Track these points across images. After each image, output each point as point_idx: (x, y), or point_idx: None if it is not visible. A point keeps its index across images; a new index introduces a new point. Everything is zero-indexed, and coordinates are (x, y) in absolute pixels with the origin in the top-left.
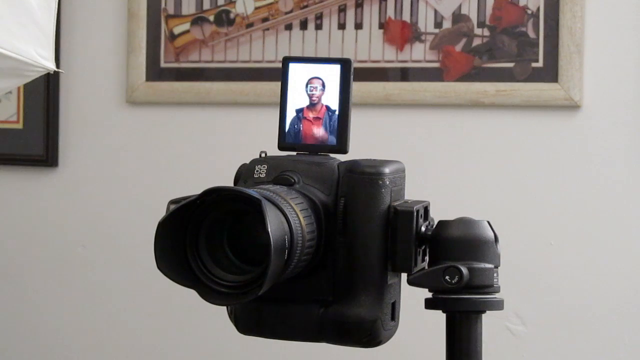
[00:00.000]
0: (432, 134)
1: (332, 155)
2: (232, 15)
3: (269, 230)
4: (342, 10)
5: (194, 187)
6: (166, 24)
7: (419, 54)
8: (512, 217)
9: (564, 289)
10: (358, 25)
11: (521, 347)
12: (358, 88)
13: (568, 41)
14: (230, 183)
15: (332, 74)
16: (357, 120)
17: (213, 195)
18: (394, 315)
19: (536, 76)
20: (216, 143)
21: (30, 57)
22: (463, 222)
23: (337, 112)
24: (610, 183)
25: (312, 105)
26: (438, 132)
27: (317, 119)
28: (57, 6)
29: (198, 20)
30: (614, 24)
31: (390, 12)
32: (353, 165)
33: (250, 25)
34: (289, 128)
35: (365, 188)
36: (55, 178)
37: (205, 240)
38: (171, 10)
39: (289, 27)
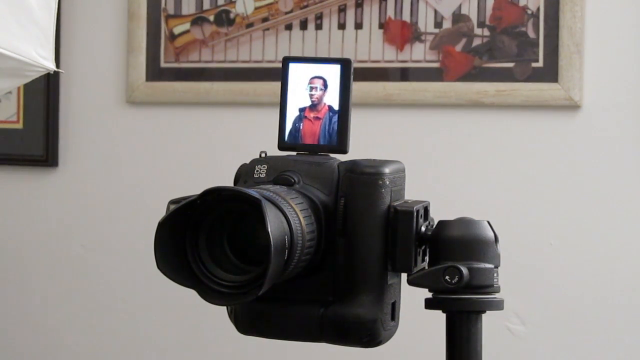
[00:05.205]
0: (432, 134)
1: (332, 155)
2: (232, 15)
3: (269, 230)
4: (342, 10)
5: (194, 187)
6: (166, 24)
7: (419, 54)
8: (512, 217)
9: (564, 289)
10: (358, 25)
11: (521, 347)
12: (358, 88)
13: (568, 41)
14: (230, 183)
15: (332, 74)
16: (357, 120)
17: (213, 195)
18: (394, 315)
19: (536, 76)
20: (216, 143)
21: (30, 57)
22: (463, 222)
23: (337, 112)
24: (610, 183)
25: (313, 106)
26: (438, 132)
27: (317, 119)
28: (57, 6)
29: (198, 20)
30: (614, 24)
31: (390, 12)
32: (353, 165)
33: (250, 25)
34: (289, 128)
35: (365, 188)
36: (55, 178)
37: (205, 240)
38: (171, 10)
39: (289, 27)
